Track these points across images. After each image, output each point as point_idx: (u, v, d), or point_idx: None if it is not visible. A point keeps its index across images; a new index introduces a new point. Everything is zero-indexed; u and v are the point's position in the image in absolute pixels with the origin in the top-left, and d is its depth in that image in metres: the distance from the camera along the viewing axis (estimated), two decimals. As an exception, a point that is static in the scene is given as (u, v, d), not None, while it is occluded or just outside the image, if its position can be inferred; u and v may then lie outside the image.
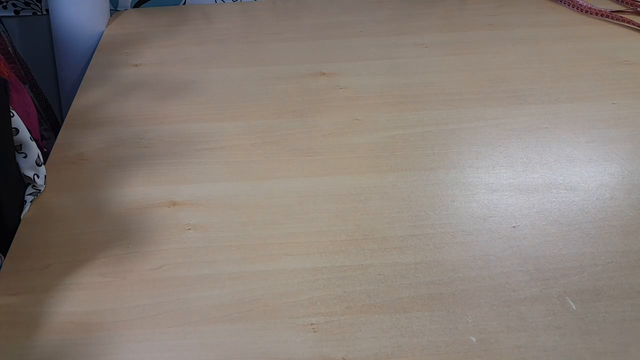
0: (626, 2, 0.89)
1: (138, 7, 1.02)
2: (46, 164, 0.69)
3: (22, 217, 0.63)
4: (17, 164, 0.63)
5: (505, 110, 0.75)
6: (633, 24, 0.79)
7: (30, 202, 0.64)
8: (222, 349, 0.51)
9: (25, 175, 0.64)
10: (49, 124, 0.97)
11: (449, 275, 0.56)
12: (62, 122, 0.77)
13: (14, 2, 0.98)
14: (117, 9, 1.01)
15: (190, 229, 0.62)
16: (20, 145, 0.62)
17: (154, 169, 0.69)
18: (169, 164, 0.69)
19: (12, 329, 0.53)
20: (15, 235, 0.61)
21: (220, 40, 0.92)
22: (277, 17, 0.97)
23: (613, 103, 0.75)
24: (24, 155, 0.63)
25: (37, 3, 0.99)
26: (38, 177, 0.64)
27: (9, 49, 0.91)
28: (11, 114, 0.60)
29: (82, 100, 0.80)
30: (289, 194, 0.65)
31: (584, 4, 0.90)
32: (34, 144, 0.63)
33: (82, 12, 0.92)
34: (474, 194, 0.64)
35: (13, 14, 1.00)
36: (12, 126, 0.60)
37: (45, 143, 0.91)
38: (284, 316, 0.53)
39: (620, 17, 0.84)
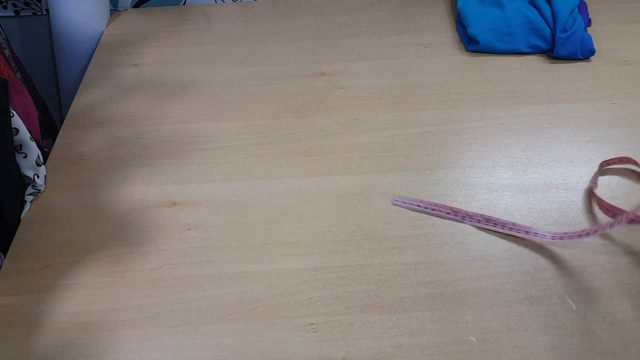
0: None
1: (138, 7, 1.02)
2: (46, 164, 0.69)
3: (22, 217, 0.63)
4: (17, 164, 0.63)
5: (505, 110, 0.75)
6: None
7: (30, 202, 0.64)
8: (222, 349, 0.51)
9: (25, 175, 0.64)
10: (47, 129, 0.97)
11: (449, 275, 0.56)
12: (62, 122, 0.77)
13: (14, 2, 0.98)
14: (117, 9, 1.01)
15: (190, 229, 0.62)
16: (20, 145, 0.62)
17: (154, 169, 0.69)
18: (169, 164, 0.69)
19: (12, 329, 0.53)
20: (15, 235, 0.62)
21: (220, 40, 0.91)
22: (277, 17, 0.97)
23: (613, 103, 0.75)
24: (24, 155, 0.63)
25: (37, 3, 0.99)
26: (38, 177, 0.64)
27: (6, 51, 0.90)
28: (11, 114, 0.60)
29: (82, 100, 0.80)
30: (289, 194, 0.65)
31: None
32: (34, 144, 0.63)
33: (82, 12, 0.92)
34: (474, 194, 0.64)
35: (13, 14, 1.00)
36: (12, 126, 0.60)
37: (46, 143, 0.91)
38: (284, 316, 0.53)
39: None
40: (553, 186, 0.64)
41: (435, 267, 0.57)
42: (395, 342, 0.51)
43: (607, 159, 0.66)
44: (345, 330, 0.52)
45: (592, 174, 0.65)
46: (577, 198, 0.63)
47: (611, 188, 0.64)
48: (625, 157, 0.66)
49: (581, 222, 0.60)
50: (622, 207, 0.60)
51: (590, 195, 0.63)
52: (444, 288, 0.55)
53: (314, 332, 0.52)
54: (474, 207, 0.62)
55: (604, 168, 0.66)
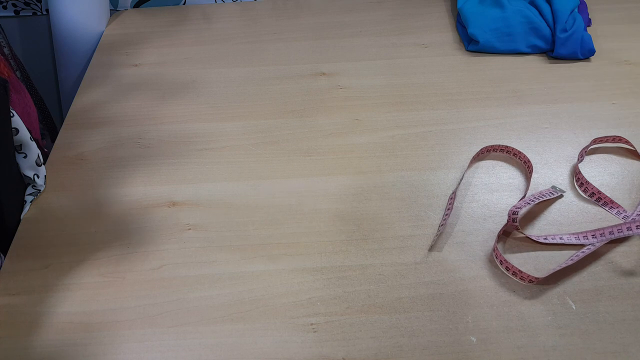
0: None
1: (138, 7, 1.02)
2: (46, 164, 0.69)
3: (22, 217, 0.63)
4: (17, 164, 0.63)
5: (505, 110, 0.75)
6: None
7: (30, 202, 0.64)
8: (222, 349, 0.51)
9: (25, 175, 0.64)
10: (46, 128, 0.97)
11: (449, 275, 0.56)
12: (62, 122, 0.77)
13: (14, 2, 0.98)
14: (117, 9, 1.01)
15: (190, 229, 0.62)
16: (20, 145, 0.62)
17: (154, 169, 0.69)
18: (169, 164, 0.69)
19: (12, 329, 0.53)
20: (15, 235, 0.62)
21: (220, 40, 0.91)
22: (277, 17, 0.97)
23: (613, 103, 0.75)
24: (24, 155, 0.63)
25: (37, 3, 0.99)
26: (38, 177, 0.64)
27: (5, 50, 0.90)
28: (11, 114, 0.60)
29: (82, 100, 0.80)
30: (289, 194, 0.65)
31: None
32: (34, 144, 0.63)
33: (82, 12, 0.92)
34: (474, 194, 0.64)
35: (13, 14, 1.00)
36: (12, 126, 0.60)
37: (45, 143, 0.91)
38: (284, 316, 0.53)
39: None
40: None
41: (435, 267, 0.57)
42: (395, 342, 0.51)
43: (605, 155, 0.67)
44: (345, 330, 0.52)
45: (592, 174, 0.66)
46: (577, 198, 0.63)
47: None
48: (617, 136, 0.68)
49: (581, 222, 0.60)
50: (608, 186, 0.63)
51: (577, 172, 0.65)
52: (444, 288, 0.55)
53: (314, 332, 0.52)
54: (474, 207, 0.62)
55: (596, 146, 0.69)
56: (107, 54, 0.90)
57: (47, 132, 0.97)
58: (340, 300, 0.54)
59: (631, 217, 0.59)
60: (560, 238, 0.57)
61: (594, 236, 0.57)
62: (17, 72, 0.93)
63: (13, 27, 1.02)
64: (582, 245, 0.57)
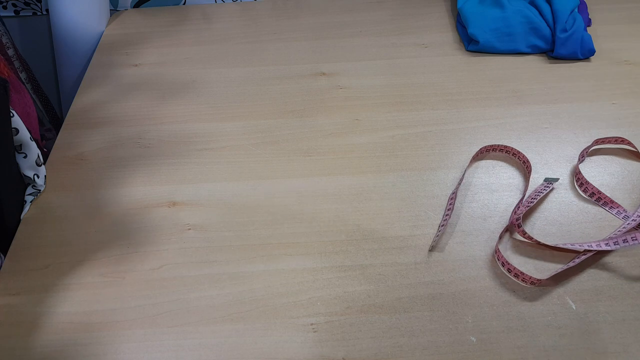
0: None
1: (138, 7, 1.02)
2: (46, 164, 0.69)
3: (22, 217, 0.63)
4: (17, 164, 0.63)
5: (506, 110, 0.75)
6: None
7: (30, 202, 0.64)
8: (222, 349, 0.51)
9: (25, 175, 0.64)
10: (52, 124, 0.97)
11: (449, 275, 0.56)
12: (62, 122, 0.77)
13: (14, 2, 0.98)
14: (117, 9, 1.01)
15: (190, 229, 0.62)
16: (20, 145, 0.62)
17: (154, 169, 0.69)
18: (169, 164, 0.69)
19: (12, 329, 0.53)
20: (15, 235, 0.62)
21: (220, 40, 0.91)
22: (277, 17, 0.97)
23: (613, 103, 0.75)
24: (24, 155, 0.63)
25: (37, 3, 0.99)
26: (38, 177, 0.64)
27: (9, 51, 0.91)
28: (11, 114, 0.60)
29: (82, 100, 0.80)
30: (289, 194, 0.65)
31: None
32: (34, 144, 0.63)
33: (82, 12, 0.92)
34: (474, 194, 0.64)
35: (13, 14, 1.00)
36: (12, 126, 0.60)
37: (46, 143, 0.91)
38: (284, 316, 0.53)
39: None
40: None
41: (435, 267, 0.57)
42: (395, 342, 0.51)
43: (606, 155, 0.67)
44: (345, 330, 0.52)
45: (592, 174, 0.66)
46: (577, 198, 0.63)
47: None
48: (619, 137, 0.68)
49: (581, 222, 0.60)
50: (608, 187, 0.63)
51: (577, 172, 0.65)
52: (444, 288, 0.55)
53: (314, 332, 0.52)
54: (474, 207, 0.62)
55: (597, 147, 0.69)
56: (107, 54, 0.90)
57: (55, 130, 0.97)
58: (340, 300, 0.54)
59: (632, 219, 0.59)
60: (572, 245, 0.57)
61: (607, 244, 0.56)
62: (23, 73, 0.93)
63: (13, 27, 1.02)
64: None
